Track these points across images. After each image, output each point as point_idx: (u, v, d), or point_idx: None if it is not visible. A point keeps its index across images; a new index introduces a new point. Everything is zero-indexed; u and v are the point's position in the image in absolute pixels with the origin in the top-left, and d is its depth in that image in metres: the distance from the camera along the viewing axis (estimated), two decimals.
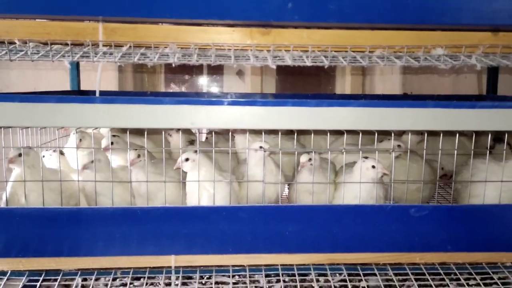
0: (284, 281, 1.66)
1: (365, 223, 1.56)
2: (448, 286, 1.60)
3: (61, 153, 1.99)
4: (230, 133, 2.11)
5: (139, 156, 1.70)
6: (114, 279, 1.68)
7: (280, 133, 1.67)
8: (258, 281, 1.70)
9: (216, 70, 3.99)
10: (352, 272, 1.71)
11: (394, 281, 1.65)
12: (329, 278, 1.69)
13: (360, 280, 1.66)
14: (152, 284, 1.70)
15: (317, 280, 1.69)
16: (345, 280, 1.68)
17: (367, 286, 1.88)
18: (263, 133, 1.83)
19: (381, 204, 1.63)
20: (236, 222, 1.53)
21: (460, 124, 1.51)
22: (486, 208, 1.62)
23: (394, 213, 1.56)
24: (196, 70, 4.00)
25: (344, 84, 3.80)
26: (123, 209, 1.53)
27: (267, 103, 1.46)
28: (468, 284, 1.65)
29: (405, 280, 1.70)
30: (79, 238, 1.52)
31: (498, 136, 2.34)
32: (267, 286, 1.59)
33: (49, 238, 1.51)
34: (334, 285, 1.66)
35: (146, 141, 1.76)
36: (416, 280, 1.64)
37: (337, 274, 1.75)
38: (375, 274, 1.69)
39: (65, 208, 1.55)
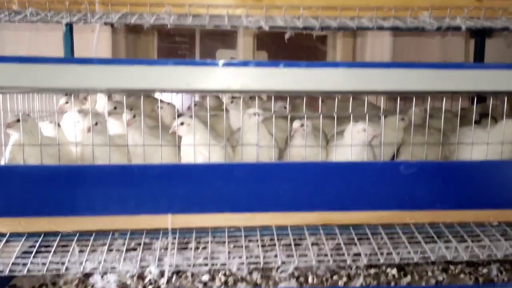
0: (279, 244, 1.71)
1: (356, 180, 1.61)
2: (441, 248, 1.66)
3: (58, 125, 2.02)
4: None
5: (134, 116, 1.74)
6: (111, 242, 1.71)
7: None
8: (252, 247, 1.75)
9: (208, 48, 4.04)
10: (346, 232, 1.76)
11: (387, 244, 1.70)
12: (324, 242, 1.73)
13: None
14: (149, 249, 1.73)
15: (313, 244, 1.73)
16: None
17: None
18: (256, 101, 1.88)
19: (372, 161, 1.68)
20: (231, 180, 1.57)
21: (447, 84, 1.56)
22: (473, 165, 1.68)
23: (385, 170, 1.61)
24: (190, 47, 4.04)
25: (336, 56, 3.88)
26: (121, 166, 1.57)
27: (260, 63, 1.51)
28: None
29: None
30: (78, 196, 1.55)
31: (484, 112, 2.41)
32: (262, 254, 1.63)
33: (47, 196, 1.54)
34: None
35: (142, 103, 1.77)
36: (408, 239, 1.70)
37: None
38: (367, 238, 1.74)
39: (64, 165, 1.59)
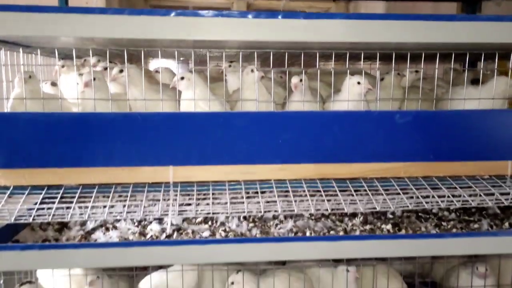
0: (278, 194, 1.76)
1: (353, 130, 1.66)
2: (434, 197, 1.72)
3: (53, 84, 2.03)
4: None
5: (121, 71, 1.74)
6: (113, 196, 1.74)
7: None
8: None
9: None
10: (343, 187, 1.81)
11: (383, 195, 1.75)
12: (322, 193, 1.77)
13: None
14: (151, 205, 1.76)
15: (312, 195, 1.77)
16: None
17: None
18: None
19: (368, 110, 1.73)
20: (231, 129, 1.61)
21: (440, 36, 1.61)
22: (466, 114, 1.74)
23: (381, 119, 1.66)
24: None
25: None
26: (124, 114, 1.60)
27: (259, 15, 1.54)
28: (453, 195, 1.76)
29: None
30: (80, 145, 1.58)
31: (474, 78, 2.47)
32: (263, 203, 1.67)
33: (50, 146, 1.57)
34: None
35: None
36: (402, 191, 1.75)
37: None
38: (365, 190, 1.79)
39: (67, 112, 1.62)
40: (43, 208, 1.57)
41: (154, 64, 2.61)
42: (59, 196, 1.64)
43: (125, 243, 1.68)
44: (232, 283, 1.90)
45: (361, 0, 3.36)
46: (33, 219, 1.55)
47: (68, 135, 1.56)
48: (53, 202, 1.60)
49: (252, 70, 1.84)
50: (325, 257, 1.73)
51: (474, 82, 2.50)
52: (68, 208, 1.58)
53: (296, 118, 1.66)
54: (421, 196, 1.72)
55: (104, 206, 1.60)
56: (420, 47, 1.75)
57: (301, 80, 1.81)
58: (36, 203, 1.63)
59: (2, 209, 1.54)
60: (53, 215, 1.56)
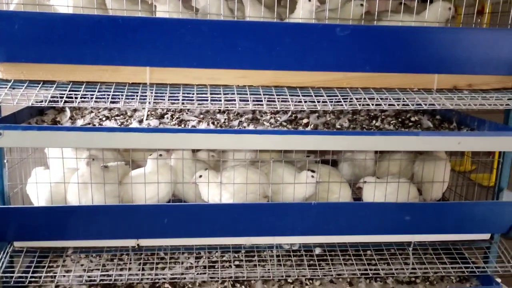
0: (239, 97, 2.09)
1: (301, 41, 1.97)
2: (365, 99, 2.06)
3: None
4: None
5: None
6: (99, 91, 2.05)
7: None
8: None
9: None
10: (294, 93, 2.14)
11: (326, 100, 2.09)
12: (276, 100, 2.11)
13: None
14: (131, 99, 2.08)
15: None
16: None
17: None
18: None
19: (313, 23, 2.04)
20: (198, 35, 1.92)
21: None
22: (397, 29, 2.07)
23: (324, 31, 1.97)
24: None
25: None
26: (108, 17, 1.89)
27: None
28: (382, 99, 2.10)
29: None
30: (70, 44, 1.87)
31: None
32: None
33: (45, 43, 1.86)
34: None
35: None
36: (342, 97, 2.09)
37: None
38: (310, 95, 2.12)
39: (59, 13, 1.91)
40: (40, 96, 1.89)
41: None
42: (53, 88, 1.96)
43: (109, 128, 2.02)
44: (200, 176, 2.28)
45: None
46: (32, 104, 1.87)
47: (60, 34, 1.86)
48: (48, 93, 1.92)
49: None
50: (276, 148, 2.09)
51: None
52: (61, 96, 1.90)
53: (253, 27, 1.97)
54: (356, 99, 2.06)
55: (92, 95, 1.91)
56: None
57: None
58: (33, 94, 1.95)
59: (6, 94, 1.85)
60: (49, 101, 1.88)
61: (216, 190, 2.23)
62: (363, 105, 2.04)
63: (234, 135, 2.02)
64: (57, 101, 1.89)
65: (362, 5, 2.32)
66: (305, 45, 2.01)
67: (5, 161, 2.09)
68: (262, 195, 2.28)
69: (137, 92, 2.01)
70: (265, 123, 2.37)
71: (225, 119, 2.38)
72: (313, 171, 2.30)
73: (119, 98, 1.95)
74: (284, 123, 2.39)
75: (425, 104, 2.06)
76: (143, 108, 2.03)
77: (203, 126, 2.31)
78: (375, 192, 2.35)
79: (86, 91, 1.96)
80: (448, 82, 2.23)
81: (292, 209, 2.16)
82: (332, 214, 2.18)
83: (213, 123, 2.33)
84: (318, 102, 2.02)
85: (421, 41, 2.07)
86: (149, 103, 1.94)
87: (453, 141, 2.09)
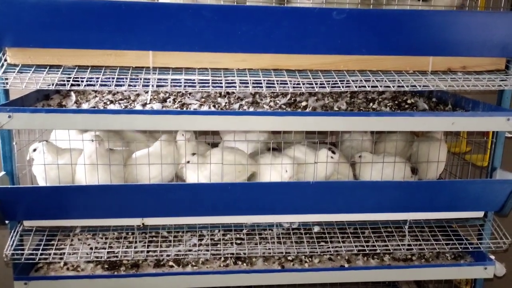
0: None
1: (299, 24, 2.03)
2: (362, 81, 2.13)
3: None
4: None
5: None
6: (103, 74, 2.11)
7: None
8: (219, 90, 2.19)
9: None
10: (292, 76, 2.20)
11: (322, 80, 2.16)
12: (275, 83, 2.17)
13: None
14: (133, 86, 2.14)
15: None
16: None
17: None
18: None
19: (310, 7, 2.10)
20: (200, 19, 1.98)
21: None
22: (392, 13, 2.13)
23: (321, 15, 2.03)
24: None
25: None
26: (110, 2, 1.94)
27: None
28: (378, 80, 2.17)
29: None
30: (76, 29, 1.93)
31: None
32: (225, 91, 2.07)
33: (51, 28, 1.92)
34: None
35: None
36: (339, 79, 2.15)
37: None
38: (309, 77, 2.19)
39: None
40: (47, 80, 1.96)
41: None
42: (59, 72, 2.03)
43: (114, 110, 2.09)
44: (188, 162, 2.34)
45: None
46: (40, 87, 1.94)
47: (66, 19, 1.92)
48: (55, 77, 1.99)
49: None
50: (275, 128, 2.16)
51: None
52: (68, 80, 1.97)
53: (252, 11, 2.03)
54: (352, 81, 2.12)
55: (97, 79, 1.98)
56: None
57: None
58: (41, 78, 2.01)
59: (15, 78, 1.92)
60: (56, 84, 1.95)
61: (202, 177, 2.30)
62: (359, 86, 2.10)
63: (235, 117, 2.09)
64: (64, 85, 1.96)
65: None
66: (303, 29, 2.07)
67: (14, 143, 2.16)
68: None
69: (141, 76, 2.08)
70: (265, 106, 2.44)
71: (226, 102, 2.45)
72: (333, 152, 2.37)
73: (123, 82, 2.02)
74: (284, 106, 2.46)
75: (420, 86, 2.13)
76: (146, 92, 2.10)
77: (204, 109, 2.38)
78: (369, 170, 2.42)
79: (91, 75, 2.03)
80: (442, 64, 2.29)
81: (291, 188, 2.24)
82: (330, 193, 2.26)
83: (214, 106, 2.40)
84: (316, 84, 2.09)
85: (415, 24, 2.13)
86: (152, 86, 2.01)
87: (447, 121, 2.16)
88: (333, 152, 2.38)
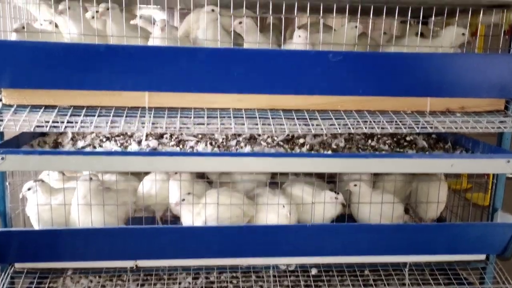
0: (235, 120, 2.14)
1: (296, 66, 2.03)
2: (359, 122, 2.11)
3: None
4: None
5: (107, 9, 2.08)
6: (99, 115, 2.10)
7: None
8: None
9: None
10: (289, 116, 2.19)
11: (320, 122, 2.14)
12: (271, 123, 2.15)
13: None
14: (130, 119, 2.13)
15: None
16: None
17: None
18: None
19: (306, 50, 2.09)
20: (195, 62, 1.98)
21: None
22: (388, 55, 2.12)
23: (317, 57, 2.03)
24: None
25: None
26: (107, 45, 1.95)
27: None
28: (376, 123, 2.15)
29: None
30: (71, 71, 1.93)
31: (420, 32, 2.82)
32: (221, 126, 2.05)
33: (47, 70, 1.92)
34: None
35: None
36: (338, 125, 2.12)
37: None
38: (305, 118, 2.17)
39: (60, 42, 1.98)
40: (41, 121, 1.95)
41: (143, 11, 2.91)
42: (54, 113, 2.01)
43: (109, 152, 2.07)
44: (183, 200, 2.30)
45: None
46: (34, 129, 1.92)
47: (61, 62, 1.92)
48: (50, 117, 1.98)
49: (212, 10, 2.18)
50: (273, 170, 2.13)
51: (422, 35, 2.87)
52: (62, 122, 1.95)
53: (248, 54, 2.03)
54: (350, 124, 2.11)
55: (91, 122, 1.97)
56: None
57: (240, 23, 2.16)
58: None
59: (9, 120, 1.91)
60: (50, 127, 1.94)
61: (197, 220, 2.25)
62: (357, 128, 2.08)
63: (231, 158, 2.06)
64: (58, 127, 1.95)
65: (356, 27, 2.37)
66: (299, 71, 2.06)
67: (7, 183, 2.14)
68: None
69: (136, 116, 2.06)
70: (262, 143, 2.42)
71: (223, 138, 2.43)
72: (336, 193, 2.35)
73: (118, 122, 2.00)
74: (281, 143, 2.44)
75: (418, 128, 2.10)
76: (143, 127, 2.08)
77: (201, 146, 2.36)
78: (363, 202, 2.39)
79: (87, 116, 2.02)
80: (441, 105, 2.28)
81: (287, 231, 2.19)
82: (328, 235, 2.21)
83: (211, 143, 2.38)
84: (313, 125, 2.07)
85: (413, 66, 2.12)
86: (148, 128, 1.99)
87: (446, 164, 2.12)
88: (337, 193, 2.35)
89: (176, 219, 2.44)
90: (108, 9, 2.06)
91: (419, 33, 2.50)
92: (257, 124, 2.06)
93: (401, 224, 2.31)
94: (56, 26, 2.25)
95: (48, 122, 1.95)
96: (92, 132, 2.52)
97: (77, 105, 2.09)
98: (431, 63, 2.13)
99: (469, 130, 2.11)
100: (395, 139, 2.58)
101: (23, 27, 2.02)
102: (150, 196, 2.45)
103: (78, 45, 1.92)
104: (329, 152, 2.35)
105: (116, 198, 2.26)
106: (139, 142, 2.35)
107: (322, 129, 2.06)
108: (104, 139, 2.41)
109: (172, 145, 2.39)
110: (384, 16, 2.20)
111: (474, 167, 2.16)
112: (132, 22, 2.37)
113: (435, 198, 2.49)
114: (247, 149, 2.36)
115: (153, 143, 2.37)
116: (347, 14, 2.25)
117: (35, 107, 2.05)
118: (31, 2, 2.34)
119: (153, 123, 2.05)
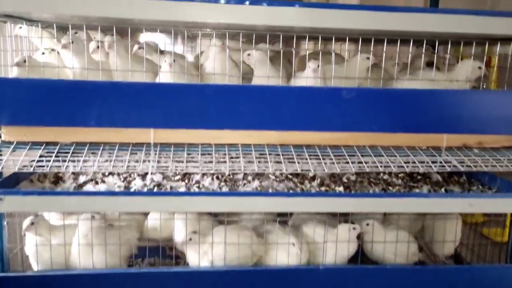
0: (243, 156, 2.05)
1: (307, 102, 1.95)
2: (375, 162, 2.02)
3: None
4: None
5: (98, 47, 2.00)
6: (102, 153, 2.02)
7: None
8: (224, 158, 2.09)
9: None
10: (300, 152, 2.10)
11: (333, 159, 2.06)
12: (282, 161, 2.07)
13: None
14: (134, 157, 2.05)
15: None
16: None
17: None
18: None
19: (320, 86, 2.01)
20: (203, 98, 1.90)
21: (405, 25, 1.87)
22: (406, 92, 2.03)
23: (330, 94, 1.94)
24: None
25: None
26: (112, 83, 1.87)
27: (229, 0, 1.80)
28: (391, 162, 2.06)
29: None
30: (74, 108, 1.85)
31: (430, 61, 2.74)
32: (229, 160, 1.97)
33: (49, 107, 1.83)
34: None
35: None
36: (351, 159, 2.04)
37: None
38: (317, 155, 2.09)
39: (62, 80, 1.89)
40: (42, 161, 1.86)
41: (144, 37, 2.83)
42: (55, 151, 1.93)
43: (112, 192, 1.98)
44: (190, 239, 2.21)
45: None
46: (34, 170, 1.84)
47: (63, 99, 1.84)
48: (51, 156, 1.89)
49: (222, 43, 2.10)
50: (283, 210, 2.03)
51: (429, 64, 2.79)
52: (63, 161, 1.86)
53: (257, 91, 1.95)
54: (364, 162, 2.02)
55: (94, 161, 1.88)
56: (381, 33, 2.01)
57: (248, 55, 2.09)
58: (36, 157, 1.92)
59: (7, 161, 1.82)
60: (51, 166, 1.85)
61: (204, 259, 2.16)
62: (372, 167, 1.99)
63: (240, 198, 1.97)
64: (60, 166, 1.86)
65: (368, 58, 2.28)
66: (311, 107, 1.98)
67: (4, 223, 2.05)
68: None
69: (141, 153, 1.98)
70: (270, 176, 2.33)
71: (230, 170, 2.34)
72: (353, 222, 2.25)
73: (123, 162, 1.92)
74: (290, 176, 2.35)
75: (436, 166, 2.01)
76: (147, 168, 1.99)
77: (207, 180, 2.27)
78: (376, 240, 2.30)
79: (89, 152, 1.94)
80: (457, 140, 2.19)
81: (299, 274, 2.09)
82: (342, 278, 2.11)
83: (217, 177, 2.29)
84: (326, 164, 1.98)
85: (428, 103, 2.04)
86: (153, 168, 1.91)
87: (465, 203, 2.03)
88: (353, 223, 2.26)
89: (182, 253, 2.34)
90: (114, 41, 1.97)
91: (434, 63, 2.42)
92: (267, 162, 1.97)
93: (419, 267, 2.20)
94: (58, 53, 2.17)
95: (49, 161, 1.87)
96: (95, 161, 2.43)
97: (80, 141, 2.01)
98: (447, 99, 2.05)
99: (489, 169, 2.02)
100: (408, 172, 2.49)
101: (25, 61, 1.94)
102: (155, 232, 2.36)
103: (81, 82, 1.84)
104: (341, 188, 2.26)
105: (119, 237, 2.16)
106: (143, 177, 2.27)
107: (336, 168, 1.97)
108: (107, 173, 2.32)
109: (178, 179, 2.31)
110: (398, 47, 2.13)
111: (493, 207, 2.06)
112: (135, 48, 2.27)
113: (450, 234, 2.39)
114: (255, 184, 2.27)
115: (157, 177, 2.29)
116: (359, 47, 2.17)
117: (35, 144, 1.97)
118: (33, 31, 2.27)
119: (158, 161, 1.97)
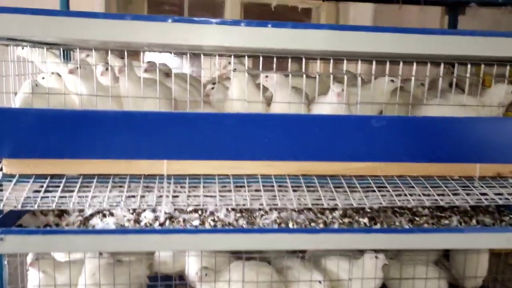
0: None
1: (333, 132, 1.80)
2: (406, 195, 1.88)
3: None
4: None
5: (107, 69, 1.85)
6: (112, 186, 1.87)
7: None
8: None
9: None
10: (324, 183, 1.95)
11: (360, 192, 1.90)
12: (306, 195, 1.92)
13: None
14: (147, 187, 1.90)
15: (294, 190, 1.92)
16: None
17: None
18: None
19: (347, 115, 1.87)
20: (221, 128, 1.75)
21: (422, 48, 1.73)
22: (435, 120, 1.89)
23: (358, 123, 1.80)
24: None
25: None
26: (123, 112, 1.73)
27: (250, 23, 1.66)
28: (423, 194, 1.92)
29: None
30: (81, 139, 1.70)
31: (450, 82, 2.60)
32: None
33: (54, 138, 1.69)
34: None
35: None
36: (379, 190, 1.90)
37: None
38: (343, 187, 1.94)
39: (69, 109, 1.75)
40: (47, 196, 1.71)
41: (149, 57, 2.69)
42: (61, 184, 1.78)
43: (121, 230, 1.82)
44: (206, 274, 2.07)
45: (350, 1, 3.53)
46: (38, 206, 1.68)
47: (69, 129, 1.69)
48: (56, 191, 1.74)
49: (234, 69, 1.96)
50: (304, 248, 1.89)
51: (450, 85, 2.65)
52: (70, 196, 1.71)
53: (280, 120, 1.80)
54: (395, 194, 1.87)
55: (104, 197, 1.73)
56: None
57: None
58: (40, 191, 1.76)
59: (9, 196, 1.67)
60: (56, 202, 1.69)
61: None
62: (404, 201, 1.84)
63: (258, 235, 1.82)
64: (66, 203, 1.70)
65: (393, 81, 2.14)
66: (337, 137, 1.84)
67: (5, 262, 1.89)
68: None
69: (154, 186, 1.83)
70: (289, 206, 2.18)
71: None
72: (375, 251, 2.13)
73: (135, 197, 1.77)
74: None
75: (472, 200, 1.86)
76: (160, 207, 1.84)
77: (222, 212, 2.12)
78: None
79: (98, 186, 1.79)
80: (491, 170, 2.04)
81: None
82: None
83: (233, 208, 2.14)
84: (354, 199, 1.83)
85: (460, 131, 1.90)
86: (166, 204, 1.76)
87: (501, 238, 1.88)
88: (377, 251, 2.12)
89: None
90: (124, 65, 1.83)
91: (453, 84, 2.29)
92: (291, 199, 1.83)
93: None
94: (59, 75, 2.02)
95: (54, 197, 1.71)
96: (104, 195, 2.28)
97: (87, 173, 1.85)
98: (481, 127, 1.91)
99: None
100: None
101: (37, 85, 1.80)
102: (166, 266, 2.21)
103: (89, 112, 1.70)
104: (365, 220, 2.12)
105: (129, 274, 2.01)
106: (154, 210, 2.11)
107: (365, 203, 1.82)
108: (115, 204, 2.16)
109: (190, 212, 2.15)
110: (428, 70, 1.99)
111: None
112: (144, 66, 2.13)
113: (479, 267, 2.25)
114: (274, 215, 2.12)
115: (169, 208, 2.13)
116: (387, 70, 2.02)
117: (39, 177, 1.81)
118: (36, 52, 2.13)
119: (173, 196, 1.82)
